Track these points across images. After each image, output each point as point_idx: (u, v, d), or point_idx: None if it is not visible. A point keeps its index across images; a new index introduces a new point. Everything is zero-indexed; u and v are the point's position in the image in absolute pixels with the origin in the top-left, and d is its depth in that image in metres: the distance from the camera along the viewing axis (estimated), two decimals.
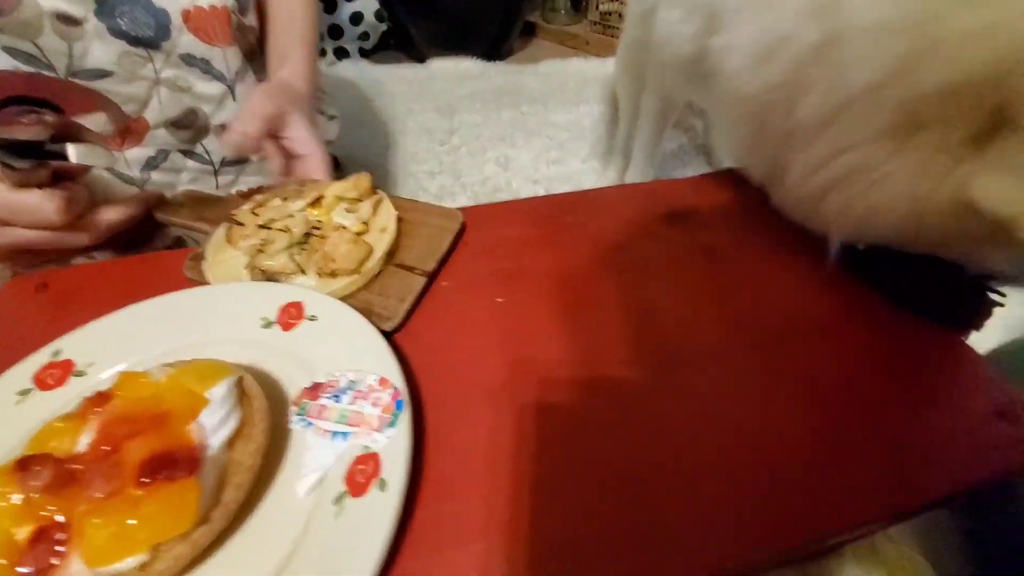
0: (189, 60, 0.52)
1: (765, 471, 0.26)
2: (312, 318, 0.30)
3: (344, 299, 0.33)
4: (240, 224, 0.38)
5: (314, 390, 0.27)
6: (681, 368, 0.30)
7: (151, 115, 0.52)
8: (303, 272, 0.35)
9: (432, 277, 0.36)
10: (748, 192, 0.42)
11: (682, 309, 0.34)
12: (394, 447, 0.24)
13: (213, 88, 0.56)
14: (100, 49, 0.47)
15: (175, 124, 0.54)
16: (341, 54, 1.43)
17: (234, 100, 0.57)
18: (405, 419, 0.25)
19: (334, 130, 0.83)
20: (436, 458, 0.26)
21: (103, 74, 0.48)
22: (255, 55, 0.60)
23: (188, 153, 0.57)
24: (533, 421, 0.28)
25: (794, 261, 0.37)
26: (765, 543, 0.24)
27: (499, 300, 0.34)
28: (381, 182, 0.97)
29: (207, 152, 0.58)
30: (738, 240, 0.39)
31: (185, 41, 0.52)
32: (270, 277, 0.35)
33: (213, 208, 0.43)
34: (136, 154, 0.53)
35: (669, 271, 0.37)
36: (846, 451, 0.27)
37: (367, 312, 0.32)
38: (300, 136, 0.47)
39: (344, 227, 0.37)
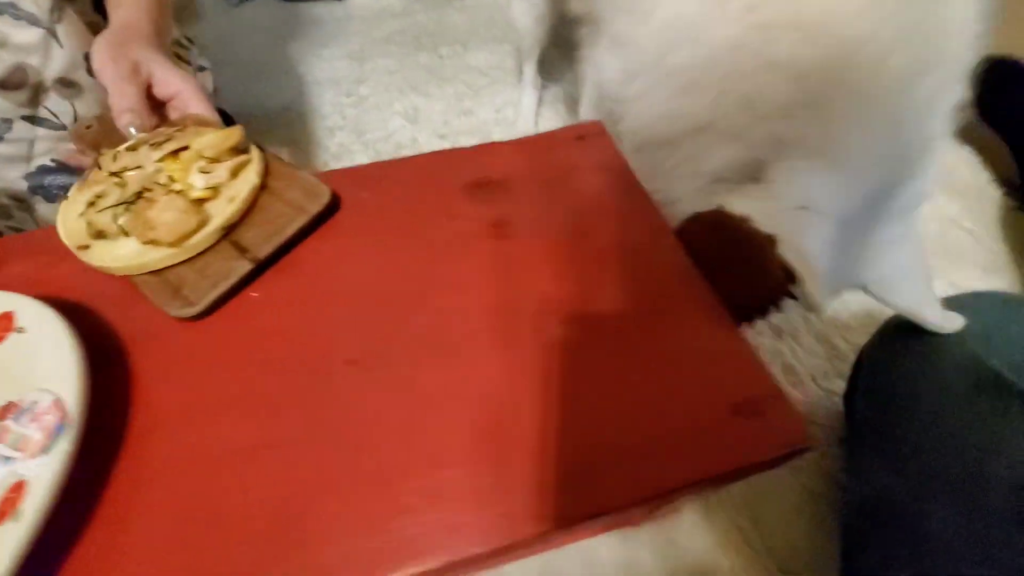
0: None
1: (498, 459, 0.25)
2: (20, 330, 0.28)
3: (158, 272, 0.31)
4: (98, 167, 0.35)
5: (3, 410, 0.26)
6: (441, 353, 0.29)
7: None
8: (126, 235, 0.32)
9: (265, 264, 0.33)
10: (567, 156, 0.39)
11: (448, 294, 0.32)
12: (44, 475, 0.23)
13: (30, 35, 0.49)
14: None
15: (3, 86, 0.49)
16: None
17: (60, 46, 0.51)
18: (62, 446, 0.23)
19: (208, 82, 0.77)
20: (122, 484, 0.25)
21: None
22: None
23: (33, 119, 0.52)
24: (268, 428, 0.27)
25: (580, 241, 0.34)
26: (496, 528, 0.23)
27: (254, 295, 0.32)
28: (277, 139, 0.92)
29: (55, 115, 0.52)
30: (535, 215, 0.36)
31: None
32: (99, 234, 0.32)
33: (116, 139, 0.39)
34: None
35: (452, 250, 0.34)
36: (591, 435, 0.26)
37: (175, 291, 0.30)
38: (161, 78, 0.42)
39: (178, 192, 0.33)
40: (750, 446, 0.26)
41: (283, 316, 0.31)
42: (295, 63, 1.09)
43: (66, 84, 0.52)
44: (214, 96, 0.76)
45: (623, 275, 0.32)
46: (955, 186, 0.82)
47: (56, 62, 0.51)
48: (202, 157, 0.35)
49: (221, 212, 0.33)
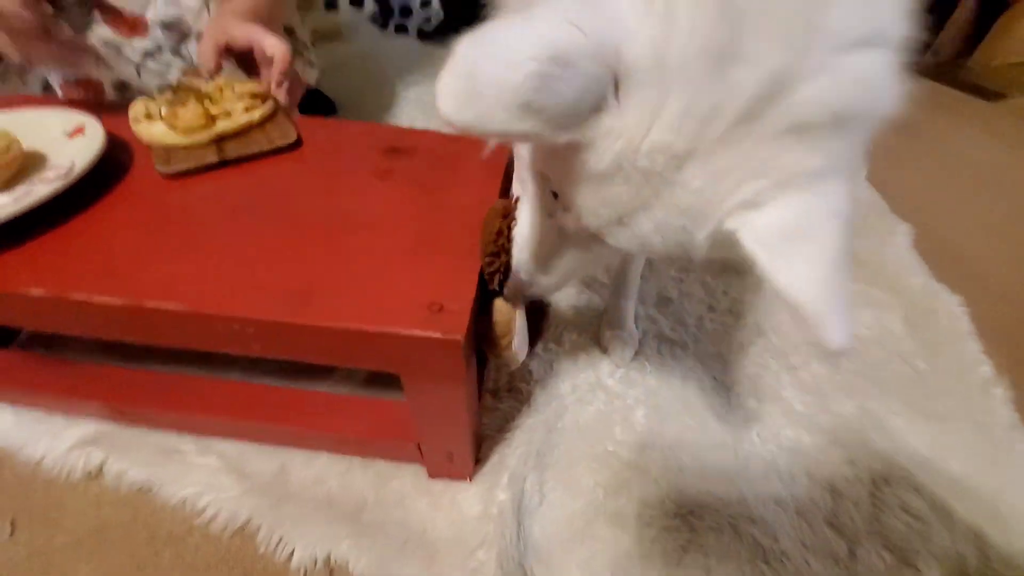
0: None
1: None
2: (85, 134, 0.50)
3: (167, 146, 0.51)
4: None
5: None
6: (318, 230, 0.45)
7: (151, 15, 0.74)
8: (161, 120, 0.52)
9: (231, 162, 0.52)
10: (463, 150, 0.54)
11: (341, 198, 0.48)
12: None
13: (193, 1, 0.76)
14: None
15: (168, 27, 0.76)
16: (400, 30, 1.65)
17: (208, 13, 0.77)
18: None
19: (313, 76, 1.03)
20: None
21: None
22: None
23: (176, 52, 0.78)
24: None
25: (429, 193, 0.48)
26: None
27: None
28: None
29: (190, 54, 0.79)
30: (415, 173, 0.51)
31: None
32: (148, 116, 0.53)
33: None
34: (138, 44, 0.76)
35: (355, 177, 0.50)
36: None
37: (168, 158, 0.50)
38: (247, 38, 0.61)
39: (203, 105, 0.53)
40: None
41: (239, 191, 0.49)
42: (405, 85, 1.37)
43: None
44: (317, 84, 1.03)
45: (436, 216, 0.46)
46: None
47: (202, 22, 0.76)
48: (233, 93, 0.56)
49: (220, 127, 0.53)
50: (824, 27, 0.24)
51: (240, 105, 0.55)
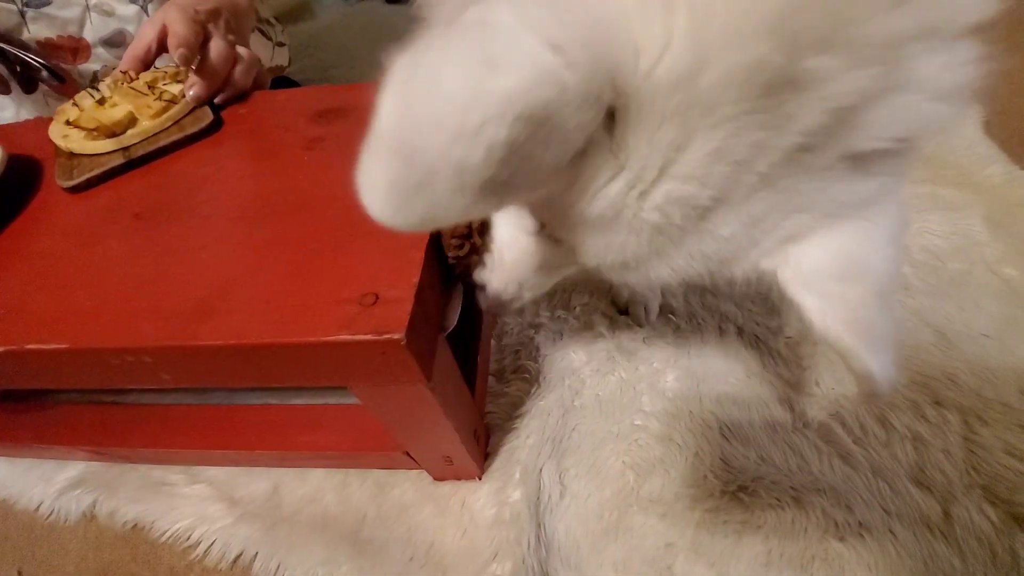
0: None
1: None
2: None
3: (71, 155, 0.45)
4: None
5: None
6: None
7: (89, 35, 0.68)
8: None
9: (140, 161, 0.44)
10: None
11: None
12: None
13: (130, 10, 0.69)
14: None
15: (109, 43, 0.70)
16: None
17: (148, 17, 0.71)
18: None
19: (284, 56, 0.94)
20: None
21: (46, 2, 0.64)
22: None
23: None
24: None
25: None
26: None
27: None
28: None
29: None
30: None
31: None
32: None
33: None
34: (84, 68, 0.70)
35: (282, 147, 0.42)
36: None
37: (70, 171, 0.43)
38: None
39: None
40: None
41: (145, 195, 0.42)
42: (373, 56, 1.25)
43: None
44: (287, 67, 0.94)
45: None
46: None
47: None
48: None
49: (128, 137, 0.45)
50: (894, 34, 0.17)
51: (156, 104, 0.47)
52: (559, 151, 0.18)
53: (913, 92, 0.19)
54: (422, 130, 0.16)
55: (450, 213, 0.18)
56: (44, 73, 0.58)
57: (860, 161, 0.20)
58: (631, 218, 0.21)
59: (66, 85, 0.61)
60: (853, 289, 0.23)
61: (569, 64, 0.16)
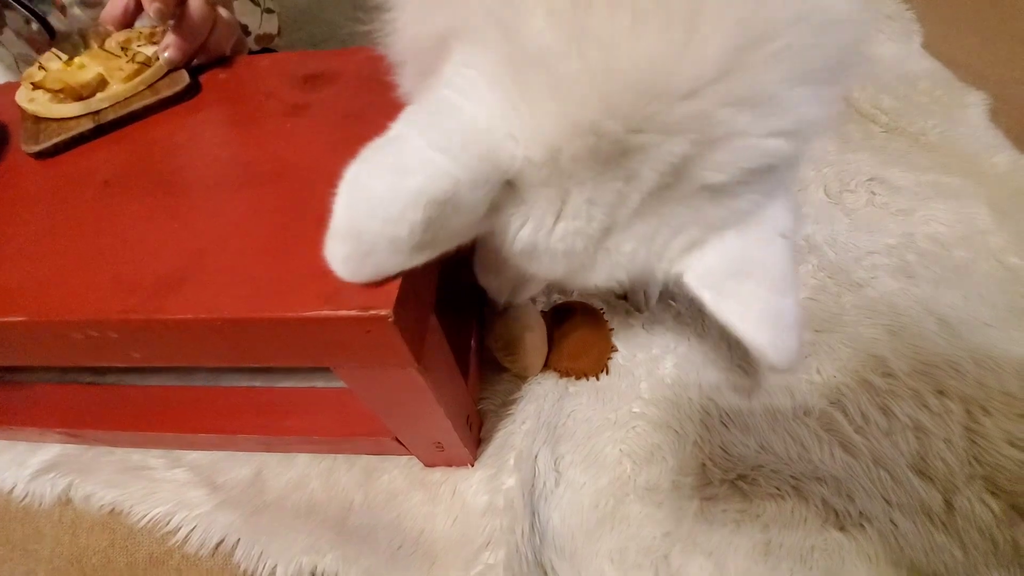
0: None
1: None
2: None
3: (39, 119, 0.41)
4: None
5: None
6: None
7: None
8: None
9: (110, 127, 0.41)
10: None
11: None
12: None
13: None
14: None
15: (84, 3, 0.66)
16: None
17: None
18: None
19: (273, 24, 0.90)
20: None
21: None
22: None
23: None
24: None
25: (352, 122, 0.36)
26: None
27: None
28: None
29: None
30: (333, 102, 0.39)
31: None
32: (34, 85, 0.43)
33: None
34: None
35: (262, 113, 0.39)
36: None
37: (36, 136, 0.40)
38: None
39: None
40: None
41: (115, 162, 0.39)
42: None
43: None
44: (276, 36, 0.90)
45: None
46: None
47: None
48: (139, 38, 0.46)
49: (97, 101, 0.41)
50: (698, 112, 0.22)
51: (95, 67, 0.43)
52: (468, 217, 0.24)
53: (742, 137, 0.23)
54: (363, 220, 0.24)
55: (393, 268, 0.25)
56: (34, 26, 0.54)
57: (719, 191, 0.24)
58: (545, 249, 0.26)
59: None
60: (743, 284, 0.27)
61: (455, 162, 0.22)
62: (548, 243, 0.26)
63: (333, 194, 0.25)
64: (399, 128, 0.24)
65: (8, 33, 0.66)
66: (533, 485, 0.47)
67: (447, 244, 0.25)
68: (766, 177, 0.25)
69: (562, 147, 0.22)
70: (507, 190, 0.25)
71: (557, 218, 0.25)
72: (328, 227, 0.25)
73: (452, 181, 0.22)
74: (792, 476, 0.47)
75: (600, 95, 0.21)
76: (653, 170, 0.23)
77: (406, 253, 0.24)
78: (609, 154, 0.22)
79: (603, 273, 0.28)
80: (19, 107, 0.42)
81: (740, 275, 0.27)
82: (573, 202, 0.24)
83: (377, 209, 0.23)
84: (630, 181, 0.23)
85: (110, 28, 0.48)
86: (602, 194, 0.24)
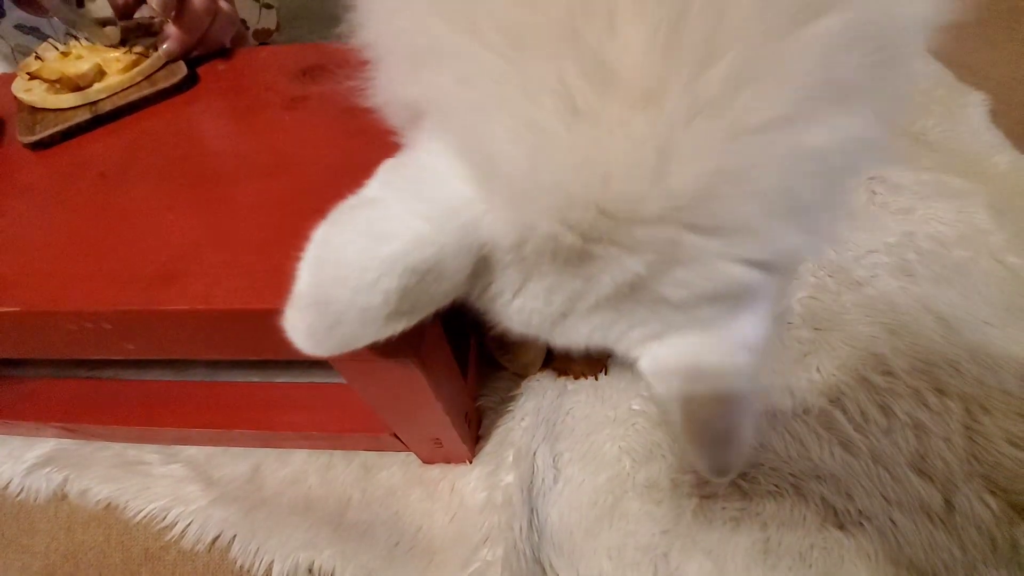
0: None
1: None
2: None
3: (36, 109, 0.41)
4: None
5: None
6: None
7: None
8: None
9: (108, 118, 0.41)
10: None
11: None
12: None
13: None
14: None
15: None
16: None
17: None
18: None
19: (272, 19, 0.89)
20: None
21: None
22: None
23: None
24: None
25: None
26: None
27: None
28: None
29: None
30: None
31: None
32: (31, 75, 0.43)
33: None
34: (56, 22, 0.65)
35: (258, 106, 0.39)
36: None
37: (32, 126, 0.39)
38: None
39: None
40: None
41: (112, 153, 0.39)
42: None
43: None
44: (275, 32, 0.90)
45: (358, 144, 0.34)
46: None
47: None
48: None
49: (95, 92, 0.41)
50: (661, 236, 0.21)
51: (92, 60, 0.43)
52: (451, 282, 0.23)
53: (708, 261, 0.21)
54: (330, 287, 0.22)
55: (363, 340, 0.23)
56: None
57: (680, 304, 0.23)
58: (512, 313, 0.25)
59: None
60: (695, 389, 0.25)
61: (440, 230, 0.21)
62: (506, 311, 0.26)
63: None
64: (375, 190, 0.23)
65: (5, 24, 0.65)
66: (532, 482, 0.47)
67: (426, 310, 0.24)
68: (735, 299, 0.24)
69: (527, 240, 0.21)
70: (481, 266, 0.24)
71: (515, 295, 0.24)
72: (289, 295, 0.23)
73: (436, 248, 0.21)
74: (791, 474, 0.47)
75: (558, 210, 0.20)
76: (612, 279, 0.22)
77: (378, 323, 0.22)
78: (568, 258, 0.22)
79: (559, 342, 0.27)
80: (16, 97, 0.42)
81: (693, 380, 0.25)
82: (533, 286, 0.24)
83: (348, 276, 0.21)
84: (589, 282, 0.23)
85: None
86: (561, 287, 0.23)
